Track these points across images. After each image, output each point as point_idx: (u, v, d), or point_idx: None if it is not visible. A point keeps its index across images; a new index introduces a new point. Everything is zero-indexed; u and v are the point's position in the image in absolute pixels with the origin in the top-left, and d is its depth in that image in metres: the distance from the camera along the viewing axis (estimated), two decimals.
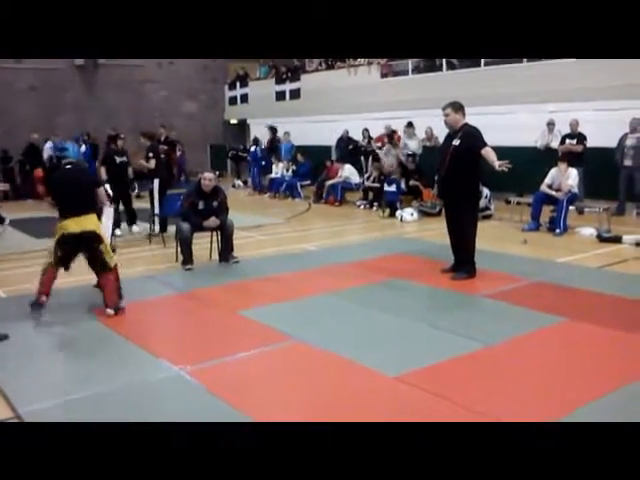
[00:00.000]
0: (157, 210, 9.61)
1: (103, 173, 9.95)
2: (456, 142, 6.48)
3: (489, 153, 6.40)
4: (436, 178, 7.14)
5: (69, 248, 5.66)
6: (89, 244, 5.63)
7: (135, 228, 10.30)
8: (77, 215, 5.59)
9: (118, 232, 9.78)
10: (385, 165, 13.21)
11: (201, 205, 7.45)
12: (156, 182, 9.85)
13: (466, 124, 6.58)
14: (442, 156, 6.74)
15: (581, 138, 11.23)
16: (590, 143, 11.21)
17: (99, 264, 5.66)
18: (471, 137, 6.47)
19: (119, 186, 9.80)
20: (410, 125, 14.25)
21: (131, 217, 10.36)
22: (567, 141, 11.34)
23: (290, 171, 15.92)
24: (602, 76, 11.59)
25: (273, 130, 17.87)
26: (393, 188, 12.19)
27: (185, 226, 7.36)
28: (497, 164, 6.28)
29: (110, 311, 5.50)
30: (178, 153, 18.82)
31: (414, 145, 13.72)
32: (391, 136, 14.20)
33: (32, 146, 16.50)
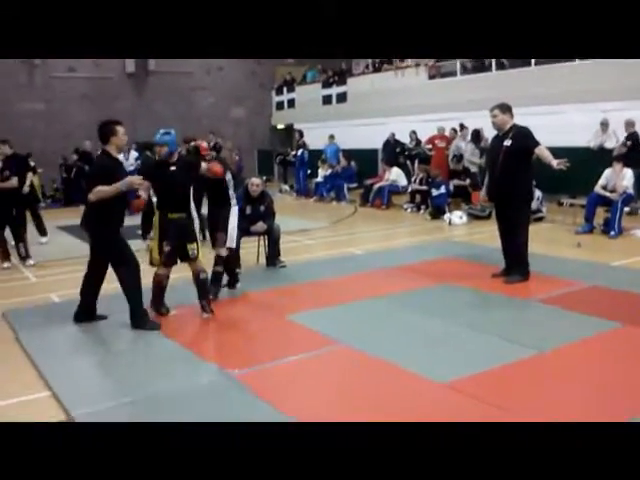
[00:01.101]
0: (195, 219, 9.57)
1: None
2: (507, 142, 6.36)
3: (544, 152, 6.28)
4: (485, 180, 7.01)
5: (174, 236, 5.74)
6: (184, 229, 5.78)
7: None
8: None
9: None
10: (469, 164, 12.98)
11: (248, 210, 7.51)
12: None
13: (515, 125, 6.46)
14: (492, 157, 6.63)
15: (632, 138, 10.91)
16: None
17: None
18: (523, 137, 6.36)
19: None
20: (462, 127, 14.08)
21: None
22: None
23: (328, 172, 16.00)
24: None
25: (300, 134, 18.06)
26: (442, 190, 12.05)
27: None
28: (555, 162, 6.16)
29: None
30: (236, 158, 19.08)
31: (469, 147, 13.45)
32: (478, 134, 13.53)
33: (85, 153, 16.95)
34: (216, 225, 6.41)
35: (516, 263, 6.58)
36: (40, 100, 19.10)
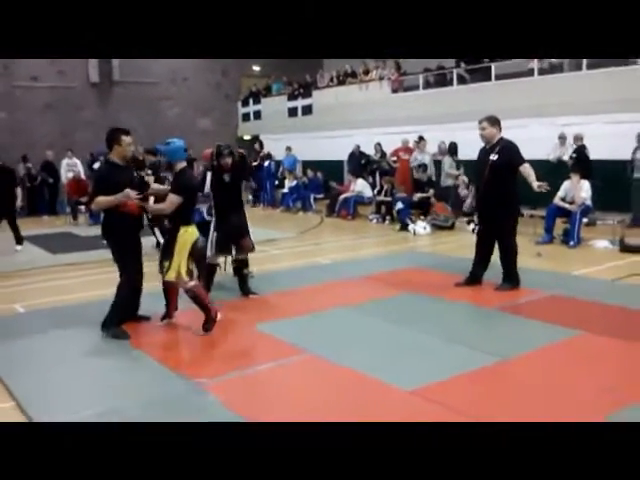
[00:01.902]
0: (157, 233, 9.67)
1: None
2: (494, 157, 6.49)
3: (527, 169, 6.46)
4: (470, 192, 7.16)
5: (202, 254, 5.69)
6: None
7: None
8: (192, 223, 5.61)
9: None
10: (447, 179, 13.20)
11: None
12: (151, 201, 9.80)
13: (502, 138, 6.60)
14: (478, 170, 6.77)
15: (578, 152, 11.41)
16: (600, 156, 11.25)
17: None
18: (510, 151, 6.50)
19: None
20: (421, 139, 14.32)
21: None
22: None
23: (294, 182, 16.22)
24: (612, 89, 11.63)
25: (260, 144, 18.28)
26: (399, 205, 12.31)
27: (201, 239, 7.42)
28: (536, 184, 6.37)
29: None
30: (200, 168, 19.03)
31: (447, 160, 13.60)
32: (454, 147, 13.58)
33: (48, 163, 16.73)
34: (240, 229, 6.67)
35: (507, 273, 6.76)
36: (2, 109, 18.76)
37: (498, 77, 14.40)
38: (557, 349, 4.92)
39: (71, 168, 15.81)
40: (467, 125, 13.90)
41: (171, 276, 5.43)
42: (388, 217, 12.84)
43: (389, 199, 13.06)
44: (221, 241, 6.61)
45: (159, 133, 20.39)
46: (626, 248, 8.78)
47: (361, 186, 14.37)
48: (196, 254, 5.52)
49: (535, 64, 13.57)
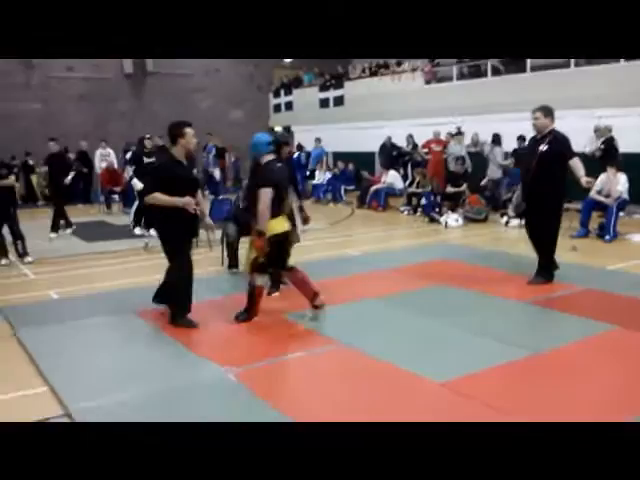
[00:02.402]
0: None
1: (130, 171, 10.30)
2: (543, 147, 6.37)
3: (577, 164, 6.35)
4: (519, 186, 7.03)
5: (278, 249, 5.40)
6: (288, 243, 5.59)
7: (152, 231, 10.43)
8: (281, 214, 5.41)
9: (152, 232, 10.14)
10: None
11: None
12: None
13: (553, 129, 6.47)
14: (527, 161, 6.65)
15: (606, 143, 11.17)
16: (635, 148, 11.01)
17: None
18: (560, 143, 6.37)
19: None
20: (459, 132, 14.16)
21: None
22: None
23: (327, 174, 16.24)
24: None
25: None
26: (423, 201, 12.35)
27: (232, 230, 7.48)
28: (584, 180, 6.28)
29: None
30: (232, 159, 19.17)
31: (497, 151, 13.31)
32: (499, 137, 13.29)
33: (82, 153, 16.97)
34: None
35: (542, 266, 6.66)
36: (37, 100, 19.09)
37: (533, 68, 14.14)
38: (590, 344, 4.83)
39: (104, 158, 16.04)
40: (502, 117, 13.76)
41: (247, 270, 5.46)
42: (419, 209, 12.74)
43: (420, 191, 12.96)
44: None
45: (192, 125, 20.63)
46: None
47: (392, 178, 14.28)
48: (272, 248, 5.30)
49: None
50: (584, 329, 5.13)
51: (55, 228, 10.71)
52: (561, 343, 4.83)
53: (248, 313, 5.49)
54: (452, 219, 11.31)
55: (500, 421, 3.50)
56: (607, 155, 10.83)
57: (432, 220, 11.69)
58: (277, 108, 23.36)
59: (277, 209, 5.29)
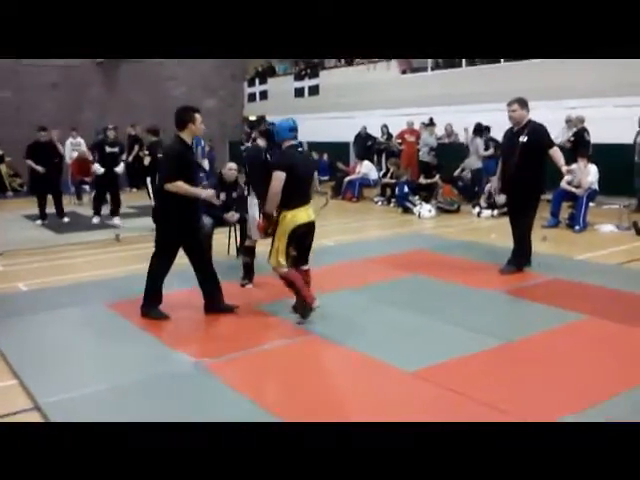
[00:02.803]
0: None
1: (91, 158, 10.54)
2: (523, 139, 6.45)
3: (557, 153, 6.47)
4: (498, 174, 7.07)
5: (301, 241, 5.25)
6: (312, 235, 5.34)
7: (116, 220, 10.60)
8: (306, 204, 5.20)
9: (117, 221, 10.15)
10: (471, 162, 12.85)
11: (222, 197, 7.53)
12: (148, 180, 9.94)
13: (530, 120, 6.57)
14: (507, 153, 6.71)
15: (577, 135, 11.36)
16: (606, 139, 11.16)
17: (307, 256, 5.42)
18: (539, 134, 6.47)
19: (107, 175, 10.52)
20: (431, 122, 14.19)
21: (115, 208, 10.74)
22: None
23: None
24: (619, 72, 11.51)
25: (249, 124, 18.18)
26: (396, 192, 12.27)
27: (207, 221, 7.42)
28: (564, 169, 6.42)
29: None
30: (206, 149, 18.99)
31: (478, 142, 13.31)
32: (481, 127, 12.88)
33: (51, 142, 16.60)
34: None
35: (516, 254, 6.76)
36: (7, 88, 18.70)
37: (507, 59, 14.22)
38: (560, 333, 4.91)
39: (75, 148, 15.75)
40: (475, 107, 13.84)
41: (272, 262, 5.23)
42: (393, 200, 12.78)
43: (394, 181, 13.00)
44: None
45: (164, 113, 20.37)
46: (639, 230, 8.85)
47: (367, 168, 14.29)
48: (296, 240, 5.15)
49: None
50: (553, 318, 5.21)
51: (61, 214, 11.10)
52: (531, 332, 4.90)
53: (304, 300, 5.19)
54: (425, 210, 11.37)
55: (468, 408, 3.54)
56: (577, 146, 10.97)
57: (406, 210, 11.74)
58: (252, 97, 23.20)
59: (299, 198, 5.12)
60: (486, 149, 12.35)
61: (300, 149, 5.43)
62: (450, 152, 13.64)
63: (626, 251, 7.90)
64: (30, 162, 10.97)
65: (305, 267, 5.41)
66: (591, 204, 9.74)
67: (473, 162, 12.73)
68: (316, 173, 5.35)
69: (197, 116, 5.32)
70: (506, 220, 10.37)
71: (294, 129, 5.29)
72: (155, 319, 5.32)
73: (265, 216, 5.15)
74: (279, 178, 5.00)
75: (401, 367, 4.20)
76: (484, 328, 4.98)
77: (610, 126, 11.30)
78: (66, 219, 11.18)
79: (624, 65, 11.15)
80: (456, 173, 12.98)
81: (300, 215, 5.11)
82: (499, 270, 6.71)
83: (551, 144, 6.51)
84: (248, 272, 6.51)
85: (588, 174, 9.59)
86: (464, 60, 15.29)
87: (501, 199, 7.36)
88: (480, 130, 12.72)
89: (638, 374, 4.05)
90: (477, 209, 11.29)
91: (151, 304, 5.41)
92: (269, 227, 5.18)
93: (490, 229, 10.01)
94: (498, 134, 13.16)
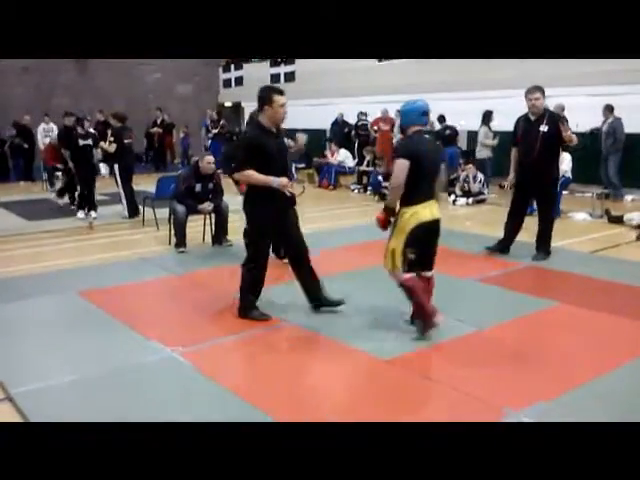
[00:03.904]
0: (122, 197, 9.72)
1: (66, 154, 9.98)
2: (544, 128, 6.48)
3: (574, 139, 6.63)
4: (513, 164, 6.94)
5: (424, 243, 4.58)
6: (437, 236, 4.68)
7: (93, 214, 9.73)
8: (431, 199, 4.58)
9: (94, 214, 9.70)
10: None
11: (198, 188, 7.47)
12: (116, 167, 9.75)
13: (547, 109, 6.68)
14: (526, 143, 6.66)
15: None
16: (578, 128, 11.36)
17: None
18: (557, 123, 6.53)
19: (83, 169, 9.81)
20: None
21: (91, 203, 9.90)
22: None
23: None
24: (584, 62, 11.69)
25: (218, 113, 18.05)
26: (377, 178, 12.27)
27: (180, 209, 7.36)
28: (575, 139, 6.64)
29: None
30: (181, 135, 18.80)
31: (482, 130, 12.50)
32: (489, 115, 12.45)
33: (23, 127, 16.31)
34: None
35: (542, 242, 6.88)
36: None
37: None
38: (532, 320, 4.97)
39: (47, 133, 15.47)
40: (454, 95, 13.87)
41: (387, 266, 4.60)
42: (370, 187, 12.80)
43: (371, 169, 13.00)
44: None
45: (137, 98, 20.13)
46: (613, 219, 9.02)
47: (343, 156, 14.28)
48: (417, 241, 4.50)
49: None
50: (525, 306, 5.26)
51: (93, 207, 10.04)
52: (505, 319, 4.95)
53: (424, 318, 4.56)
54: None
55: (441, 394, 3.57)
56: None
57: (382, 198, 11.74)
58: (227, 83, 23.00)
59: (423, 193, 4.50)
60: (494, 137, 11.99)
61: (427, 136, 4.75)
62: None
63: (599, 239, 8.02)
64: None
65: (428, 274, 4.73)
66: (564, 192, 9.85)
67: (478, 151, 12.34)
68: (443, 165, 4.71)
69: (276, 98, 4.73)
70: (480, 208, 10.62)
71: (426, 113, 4.63)
72: (256, 320, 4.92)
73: (386, 209, 4.57)
74: (403, 167, 4.39)
75: (376, 355, 4.22)
76: (457, 315, 5.01)
77: (581, 114, 11.41)
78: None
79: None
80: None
81: (423, 212, 4.47)
82: (532, 258, 6.76)
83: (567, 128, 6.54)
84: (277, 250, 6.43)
85: (562, 162, 9.64)
86: None
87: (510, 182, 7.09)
88: (487, 117, 12.20)
89: (608, 360, 4.12)
90: (452, 197, 11.34)
91: (249, 305, 5.02)
92: (388, 221, 4.58)
93: (465, 217, 10.08)
94: (471, 121, 13.39)
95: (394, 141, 13.83)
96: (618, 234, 8.29)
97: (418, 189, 4.44)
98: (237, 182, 6.13)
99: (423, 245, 4.57)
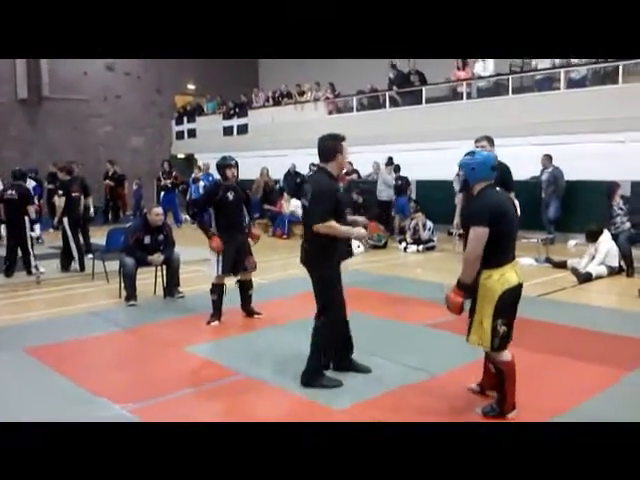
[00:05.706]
0: (74, 250, 9.54)
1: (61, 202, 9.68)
2: None
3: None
4: (458, 209, 7.01)
5: (513, 312, 3.96)
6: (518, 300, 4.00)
7: (41, 269, 9.15)
8: (514, 259, 3.97)
9: (42, 269, 9.24)
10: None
11: (147, 240, 7.42)
12: (65, 221, 9.56)
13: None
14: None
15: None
16: (521, 175, 11.90)
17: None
18: (504, 174, 6.00)
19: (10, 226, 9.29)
20: (390, 162, 14.44)
21: (27, 263, 9.16)
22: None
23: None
24: (521, 114, 12.30)
25: (169, 163, 18.03)
26: None
27: (129, 261, 7.29)
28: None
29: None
30: (134, 187, 18.68)
31: (386, 170, 14.02)
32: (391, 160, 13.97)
33: None
34: (243, 249, 6.48)
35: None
36: None
37: (428, 100, 14.82)
38: (479, 365, 5.04)
39: None
40: (399, 147, 14.30)
41: (472, 340, 4.00)
42: None
43: None
44: (227, 260, 6.35)
45: (88, 151, 20.02)
46: (557, 264, 9.37)
47: (295, 206, 14.41)
48: (506, 310, 3.85)
49: (464, 88, 14.10)
50: (474, 350, 5.33)
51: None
52: (456, 365, 5.01)
53: (504, 404, 3.97)
54: (354, 246, 11.52)
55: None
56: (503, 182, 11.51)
57: None
58: (180, 135, 23.13)
59: (509, 252, 3.91)
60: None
61: (498, 188, 4.06)
62: (375, 189, 13.99)
63: (545, 283, 8.25)
64: None
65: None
66: None
67: (379, 192, 13.55)
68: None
69: (344, 145, 4.63)
70: (431, 255, 10.83)
71: (495, 167, 4.00)
72: (330, 388, 4.56)
73: (460, 286, 3.86)
74: (482, 237, 3.70)
75: (332, 405, 4.22)
76: (411, 362, 5.06)
77: (522, 164, 11.92)
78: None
79: (524, 107, 11.95)
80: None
81: (510, 275, 3.83)
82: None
83: (512, 187, 6.20)
84: (215, 310, 6.40)
85: None
86: (387, 101, 15.82)
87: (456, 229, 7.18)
88: (391, 161, 13.62)
89: (552, 405, 4.20)
90: (404, 244, 11.55)
91: (318, 372, 4.66)
92: (460, 301, 3.88)
93: (416, 264, 10.26)
94: (424, 172, 13.80)
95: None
96: (562, 278, 8.56)
97: (504, 247, 3.84)
98: (209, 235, 6.37)
99: (513, 314, 3.92)
